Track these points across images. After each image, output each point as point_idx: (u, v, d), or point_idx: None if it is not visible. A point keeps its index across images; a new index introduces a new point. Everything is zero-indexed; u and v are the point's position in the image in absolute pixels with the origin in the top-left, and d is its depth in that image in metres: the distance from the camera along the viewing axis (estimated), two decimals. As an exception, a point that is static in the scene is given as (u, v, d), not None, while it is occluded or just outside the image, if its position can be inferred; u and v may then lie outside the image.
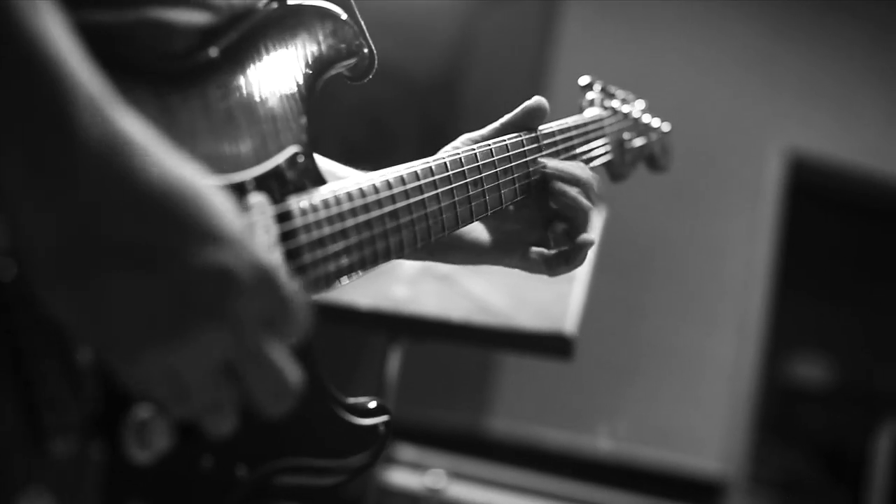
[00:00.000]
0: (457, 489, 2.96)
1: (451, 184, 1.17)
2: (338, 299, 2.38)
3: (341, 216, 1.02)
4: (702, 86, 5.48)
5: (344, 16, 1.13)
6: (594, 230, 2.25)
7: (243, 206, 0.94)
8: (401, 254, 1.11)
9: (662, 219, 5.21)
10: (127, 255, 0.73)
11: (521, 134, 1.29)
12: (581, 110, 1.47)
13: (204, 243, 0.76)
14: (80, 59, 0.74)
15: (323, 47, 1.10)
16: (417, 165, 1.14)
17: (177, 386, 0.77)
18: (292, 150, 1.03)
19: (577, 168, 1.31)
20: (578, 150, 1.36)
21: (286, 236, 0.97)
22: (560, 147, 1.34)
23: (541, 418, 4.99)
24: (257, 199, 0.96)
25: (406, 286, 2.38)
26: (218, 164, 0.94)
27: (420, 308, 2.34)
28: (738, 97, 5.54)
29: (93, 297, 0.73)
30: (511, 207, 1.30)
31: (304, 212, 0.99)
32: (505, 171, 1.25)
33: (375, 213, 1.06)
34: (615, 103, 1.50)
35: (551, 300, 2.24)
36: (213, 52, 1.00)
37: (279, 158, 1.01)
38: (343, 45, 1.12)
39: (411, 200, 1.11)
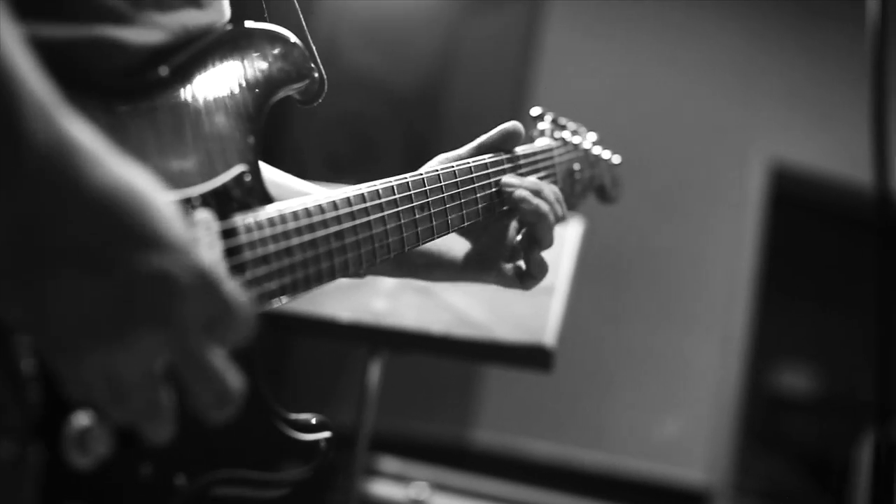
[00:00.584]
0: (440, 501, 2.96)
1: (397, 207, 1.19)
2: (318, 313, 2.38)
3: (286, 234, 1.03)
4: (684, 95, 5.50)
5: (294, 39, 1.16)
6: (567, 240, 2.26)
7: (188, 222, 0.95)
8: (346, 273, 1.12)
9: (646, 228, 5.23)
10: (71, 257, 0.75)
11: (470, 161, 1.31)
12: (532, 140, 1.50)
13: (148, 248, 0.78)
14: (30, 65, 0.75)
15: (272, 69, 1.12)
16: (364, 188, 1.16)
17: (116, 388, 0.79)
18: (239, 168, 1.06)
19: (534, 179, 1.36)
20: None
21: (230, 252, 0.98)
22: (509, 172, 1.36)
23: (524, 429, 4.99)
24: (203, 215, 0.97)
25: (386, 299, 2.38)
26: (164, 181, 0.95)
27: (400, 321, 2.35)
28: (721, 107, 5.56)
29: (36, 297, 0.75)
30: (482, 226, 1.33)
31: (248, 229, 1.00)
32: (452, 197, 1.27)
33: (321, 233, 1.08)
34: (566, 134, 1.53)
35: (531, 313, 2.25)
36: (164, 70, 1.02)
37: (225, 177, 1.04)
38: (293, 68, 1.15)
39: (357, 222, 1.13)
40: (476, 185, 1.30)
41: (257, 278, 1.00)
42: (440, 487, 2.99)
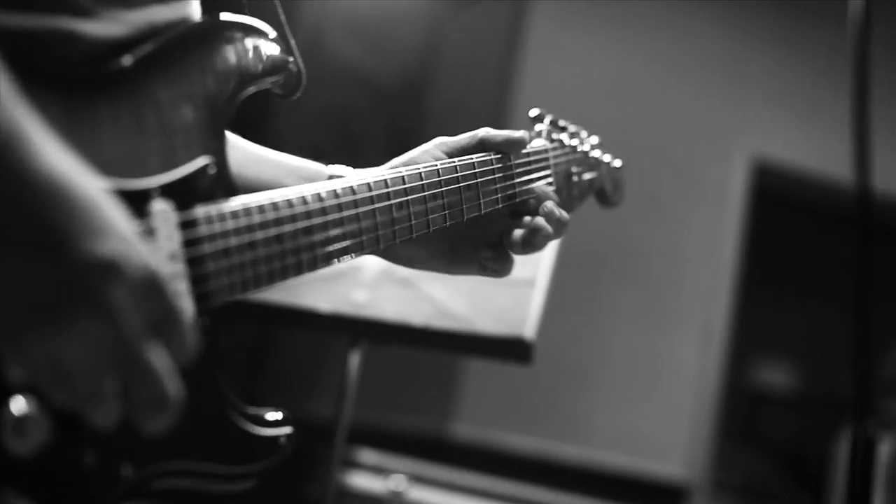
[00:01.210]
0: (418, 493, 2.96)
1: (373, 204, 1.15)
2: (298, 304, 2.38)
3: (250, 228, 1.01)
4: (667, 92, 5.51)
5: (271, 32, 1.13)
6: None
7: (145, 212, 0.94)
8: (313, 270, 1.09)
9: (627, 224, 5.23)
10: (11, 240, 0.75)
11: (455, 160, 1.27)
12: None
13: (91, 235, 0.78)
14: None
15: (245, 62, 1.09)
16: (338, 184, 1.12)
17: (58, 371, 0.79)
18: (203, 160, 1.03)
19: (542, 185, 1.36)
20: (518, 181, 1.35)
21: (189, 244, 0.96)
22: (497, 175, 1.32)
23: (504, 423, 4.99)
24: (161, 206, 0.96)
25: (366, 290, 2.37)
26: (122, 170, 0.94)
27: (380, 312, 2.34)
28: (704, 103, 5.57)
29: None
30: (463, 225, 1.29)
31: (209, 220, 0.98)
32: (434, 196, 1.22)
33: (288, 228, 1.05)
34: (563, 136, 1.49)
35: (511, 305, 2.25)
36: (127, 60, 1.00)
37: (188, 168, 1.02)
38: (267, 61, 1.12)
39: (328, 217, 1.10)
40: (462, 184, 1.26)
41: (217, 271, 0.98)
42: (419, 480, 2.99)
